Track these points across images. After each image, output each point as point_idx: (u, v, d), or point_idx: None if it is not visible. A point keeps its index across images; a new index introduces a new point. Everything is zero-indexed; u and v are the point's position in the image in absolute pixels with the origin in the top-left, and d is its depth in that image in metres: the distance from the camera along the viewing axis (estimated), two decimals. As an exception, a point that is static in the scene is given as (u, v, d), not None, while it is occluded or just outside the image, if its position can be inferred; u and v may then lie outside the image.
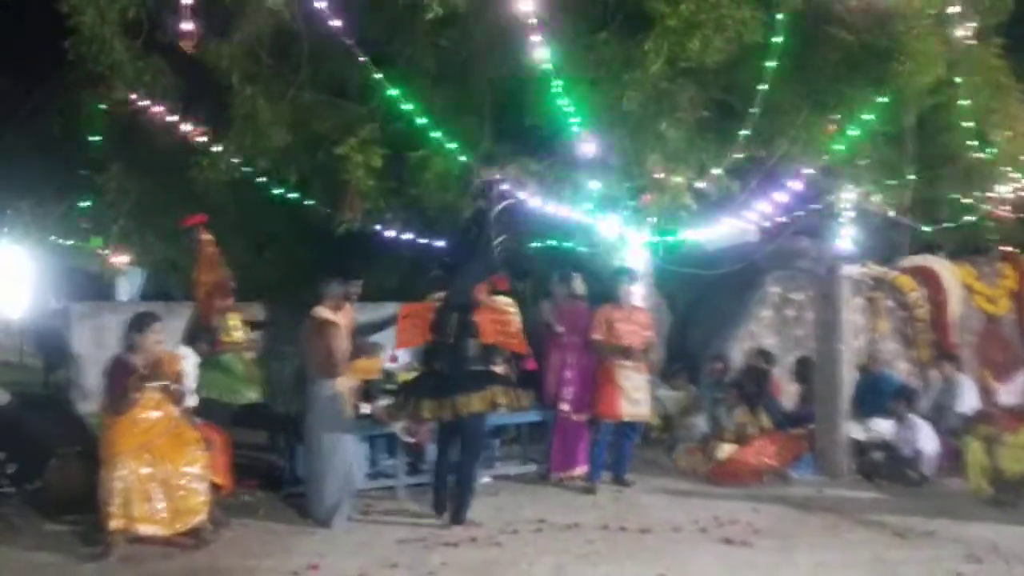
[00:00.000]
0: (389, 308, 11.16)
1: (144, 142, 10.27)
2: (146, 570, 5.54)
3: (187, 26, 7.75)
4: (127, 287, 13.32)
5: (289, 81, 9.00)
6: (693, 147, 8.77)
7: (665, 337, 10.87)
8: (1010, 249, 12.36)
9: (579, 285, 8.12)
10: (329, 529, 6.37)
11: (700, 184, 8.92)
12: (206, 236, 8.50)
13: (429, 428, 7.10)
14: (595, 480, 7.69)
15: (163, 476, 5.82)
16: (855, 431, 8.23)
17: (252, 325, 8.80)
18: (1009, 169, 10.06)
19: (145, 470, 5.79)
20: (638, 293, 8.48)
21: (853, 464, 8.08)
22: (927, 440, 7.87)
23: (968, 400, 9.23)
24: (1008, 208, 11.29)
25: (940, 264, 11.28)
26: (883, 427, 8.40)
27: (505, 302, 8.48)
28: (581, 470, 7.90)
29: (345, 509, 6.52)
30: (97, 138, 10.71)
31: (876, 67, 8.38)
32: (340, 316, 7.17)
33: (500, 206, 8.33)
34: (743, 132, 8.42)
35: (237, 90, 8.66)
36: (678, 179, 8.68)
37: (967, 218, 11.10)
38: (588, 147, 8.35)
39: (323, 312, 6.64)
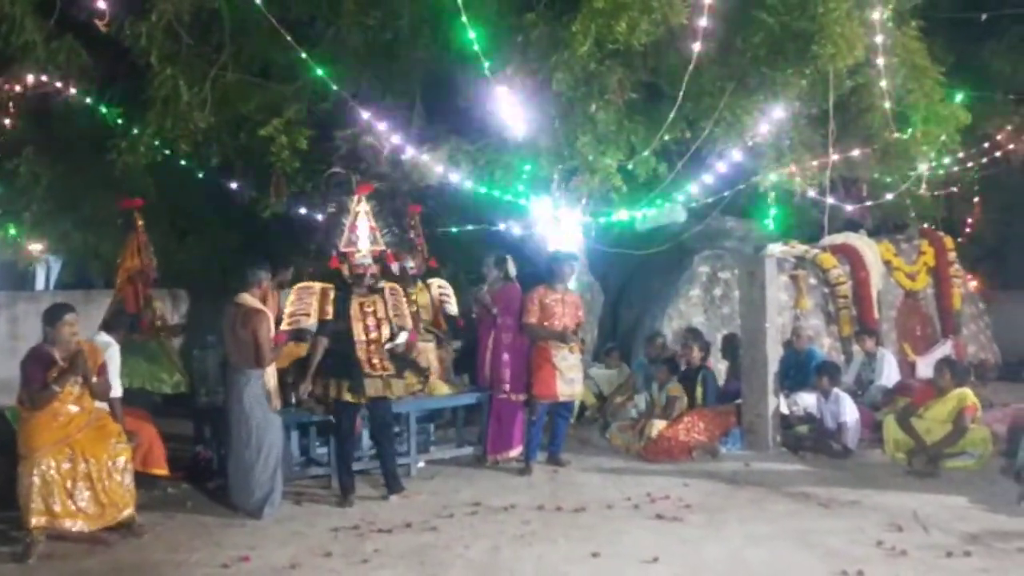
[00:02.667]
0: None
1: (58, 125, 9.93)
2: (69, 568, 5.38)
3: (102, 4, 7.48)
4: (43, 276, 12.89)
5: (211, 61, 8.77)
6: (622, 129, 8.84)
7: (598, 317, 10.97)
8: (927, 226, 12.80)
9: (512, 267, 8.11)
10: (259, 520, 6.26)
11: (630, 165, 9.00)
12: (139, 222, 8.28)
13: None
14: (530, 461, 7.72)
15: (86, 470, 5.65)
16: (781, 406, 8.42)
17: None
18: (926, 148, 10.37)
19: (66, 465, 5.60)
20: (572, 274, 8.53)
21: (779, 438, 8.27)
22: (850, 413, 8.08)
23: (889, 374, 9.54)
24: (925, 186, 11.66)
25: (861, 241, 11.60)
26: (808, 401, 8.62)
27: (439, 283, 8.52)
28: (516, 451, 7.92)
29: (276, 499, 6.41)
30: (8, 121, 10.29)
31: (797, 50, 8.55)
32: (269, 302, 7.09)
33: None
34: (670, 114, 8.50)
35: (156, 70, 8.40)
36: (608, 161, 8.73)
37: (887, 196, 11.42)
38: (518, 129, 8.36)
39: (248, 299, 6.46)
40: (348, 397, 6.65)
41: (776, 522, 6.00)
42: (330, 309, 6.72)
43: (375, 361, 6.79)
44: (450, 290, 8.58)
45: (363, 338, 6.77)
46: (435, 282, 8.60)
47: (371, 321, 6.82)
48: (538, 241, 9.87)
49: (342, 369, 6.68)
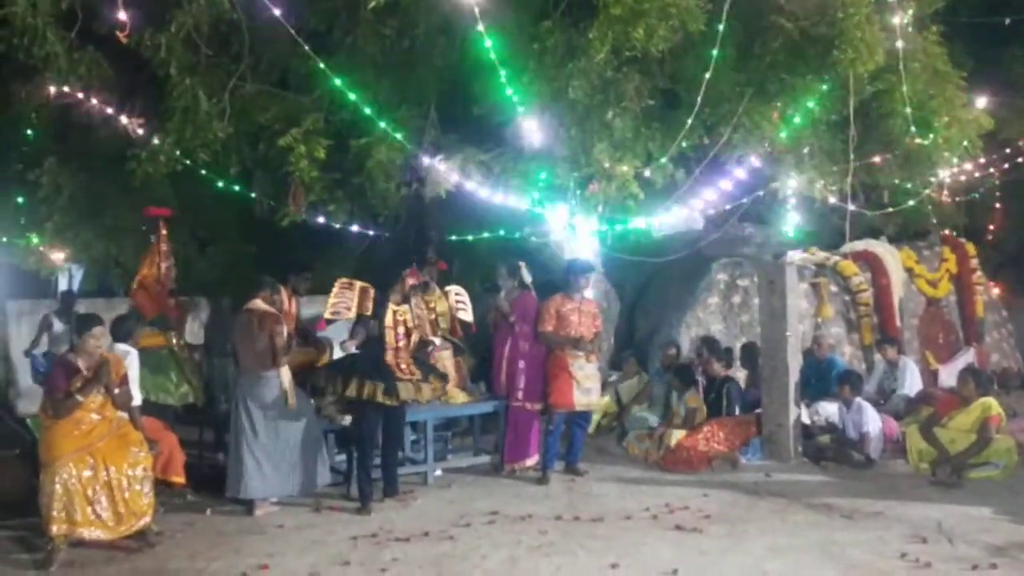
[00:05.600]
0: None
1: (80, 136, 10.02)
2: (89, 575, 5.40)
3: (123, 16, 7.53)
4: (65, 284, 12.99)
5: (229, 71, 8.81)
6: (639, 136, 8.79)
7: (614, 324, 10.92)
8: (950, 232, 12.68)
9: (526, 275, 8.10)
10: (316, 490, 6.84)
11: (647, 172, 8.95)
12: (163, 231, 8.32)
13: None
14: (548, 470, 7.68)
15: (106, 479, 5.68)
16: (802, 415, 8.33)
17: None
18: (947, 154, 10.27)
19: (87, 473, 5.64)
20: (588, 284, 8.50)
21: (800, 448, 8.18)
22: (872, 423, 8.00)
23: (911, 382, 9.44)
24: (946, 192, 11.55)
25: (882, 248, 11.52)
26: (829, 411, 8.54)
27: (456, 291, 8.54)
28: (533, 460, 7.90)
29: (326, 471, 6.90)
30: (30, 132, 10.40)
31: (817, 55, 8.49)
32: (288, 307, 7.27)
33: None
34: (688, 121, 8.46)
35: (176, 81, 8.45)
36: (625, 168, 8.69)
37: (908, 203, 11.32)
38: (534, 137, 8.35)
39: (260, 304, 6.75)
40: (383, 399, 6.78)
41: (798, 533, 5.95)
42: (369, 306, 7.01)
43: (403, 366, 7.04)
44: (466, 297, 8.61)
45: (393, 344, 7.00)
46: (452, 289, 8.63)
47: (401, 329, 7.11)
48: (554, 249, 9.84)
49: (375, 371, 6.81)
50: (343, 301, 7.01)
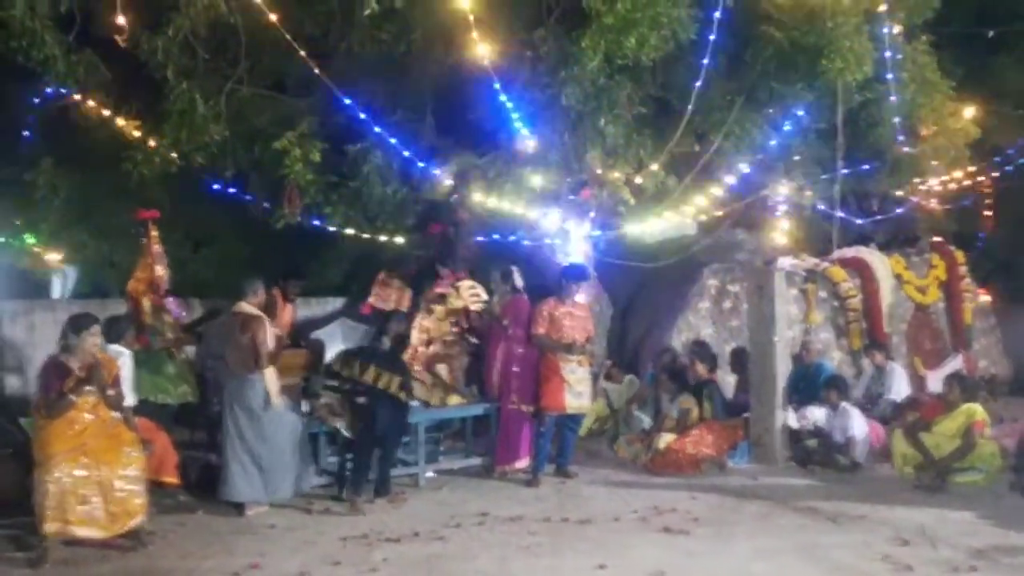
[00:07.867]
0: (332, 304, 11.20)
1: (76, 137, 10.07)
2: (82, 573, 5.45)
3: (121, 19, 7.60)
4: (60, 285, 13.01)
5: (226, 75, 8.90)
6: (631, 143, 8.89)
7: (606, 329, 10.99)
8: (939, 239, 12.77)
9: (519, 280, 8.17)
10: (302, 492, 6.85)
11: (638, 179, 9.06)
12: (153, 232, 8.37)
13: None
14: (538, 472, 7.75)
15: (99, 478, 5.71)
16: (790, 420, 8.41)
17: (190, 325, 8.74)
18: (936, 162, 10.38)
19: (80, 472, 5.67)
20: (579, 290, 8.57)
21: (787, 452, 8.26)
22: (858, 427, 8.08)
23: (899, 387, 9.51)
24: (935, 200, 11.66)
25: (871, 255, 11.58)
26: (817, 415, 8.60)
27: (468, 285, 8.62)
28: (524, 463, 7.95)
29: (311, 474, 7.00)
30: (27, 133, 10.45)
31: (807, 64, 8.60)
32: (282, 311, 7.31)
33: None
34: (679, 128, 8.57)
35: (173, 84, 8.53)
36: (616, 174, 8.79)
37: (897, 210, 11.42)
38: (528, 142, 8.44)
39: (246, 307, 6.80)
40: (397, 392, 7.03)
41: (783, 536, 6.02)
42: (406, 303, 7.69)
43: (417, 367, 7.57)
44: (480, 289, 8.66)
45: (415, 345, 7.72)
46: (464, 284, 8.64)
47: (424, 336, 7.78)
48: (547, 253, 9.92)
49: (393, 365, 7.08)
50: (383, 295, 7.89)
